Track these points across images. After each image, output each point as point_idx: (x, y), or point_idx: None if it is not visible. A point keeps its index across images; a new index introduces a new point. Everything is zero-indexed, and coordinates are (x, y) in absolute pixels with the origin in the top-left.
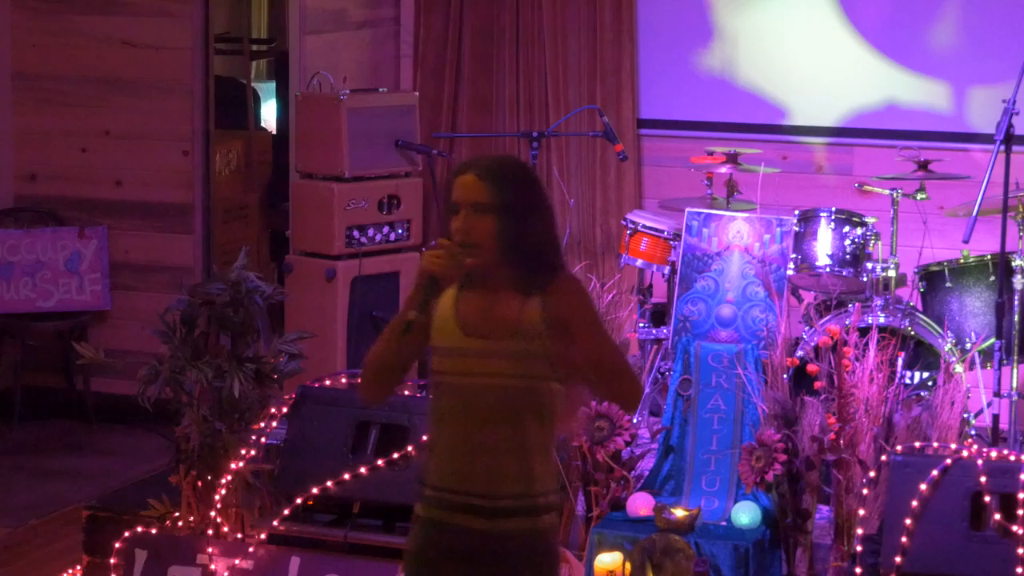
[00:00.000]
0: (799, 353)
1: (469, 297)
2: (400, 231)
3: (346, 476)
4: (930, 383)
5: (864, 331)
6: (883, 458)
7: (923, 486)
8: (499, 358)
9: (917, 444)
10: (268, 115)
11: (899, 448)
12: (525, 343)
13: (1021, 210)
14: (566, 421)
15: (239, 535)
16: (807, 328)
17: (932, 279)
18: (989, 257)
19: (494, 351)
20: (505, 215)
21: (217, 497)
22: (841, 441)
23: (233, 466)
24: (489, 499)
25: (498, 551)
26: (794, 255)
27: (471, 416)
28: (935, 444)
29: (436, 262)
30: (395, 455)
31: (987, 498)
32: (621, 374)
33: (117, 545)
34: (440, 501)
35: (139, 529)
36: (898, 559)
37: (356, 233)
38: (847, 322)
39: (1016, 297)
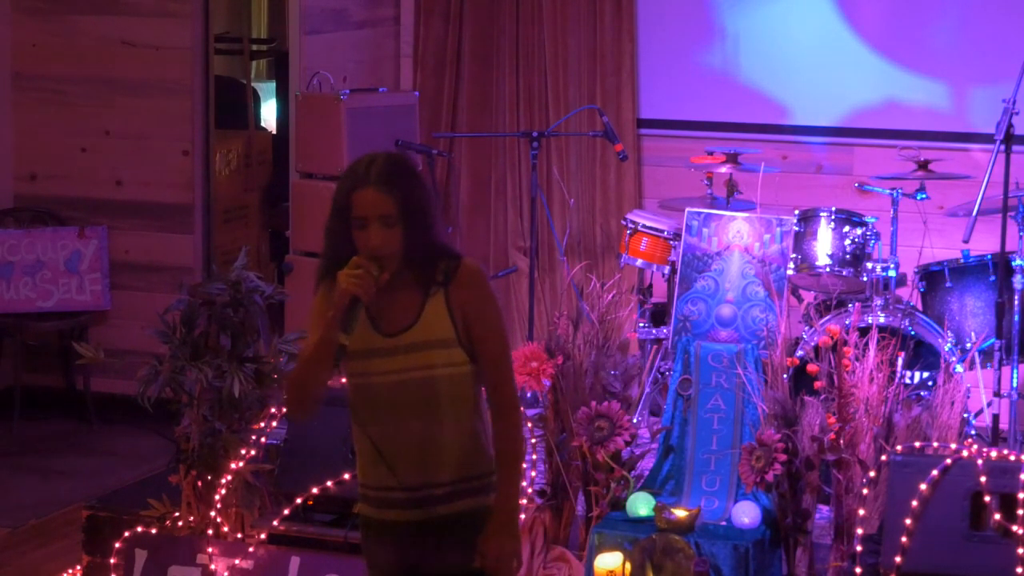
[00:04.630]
0: (799, 353)
1: (377, 298)
2: None
3: (346, 476)
4: (930, 383)
5: (864, 331)
6: (883, 458)
7: (923, 486)
8: (410, 352)
9: (917, 444)
10: (268, 115)
11: (899, 448)
12: (434, 333)
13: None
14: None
15: (239, 535)
16: (807, 328)
17: (932, 279)
18: (989, 257)
19: (405, 346)
20: (411, 221)
21: (217, 497)
22: (841, 441)
23: (233, 466)
24: (421, 490)
25: (440, 535)
26: (794, 255)
27: (392, 413)
28: (935, 444)
29: (356, 283)
30: None
31: (987, 498)
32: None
33: (117, 545)
34: (373, 499)
35: (139, 529)
36: (898, 559)
37: None
38: (847, 322)
39: (1016, 297)
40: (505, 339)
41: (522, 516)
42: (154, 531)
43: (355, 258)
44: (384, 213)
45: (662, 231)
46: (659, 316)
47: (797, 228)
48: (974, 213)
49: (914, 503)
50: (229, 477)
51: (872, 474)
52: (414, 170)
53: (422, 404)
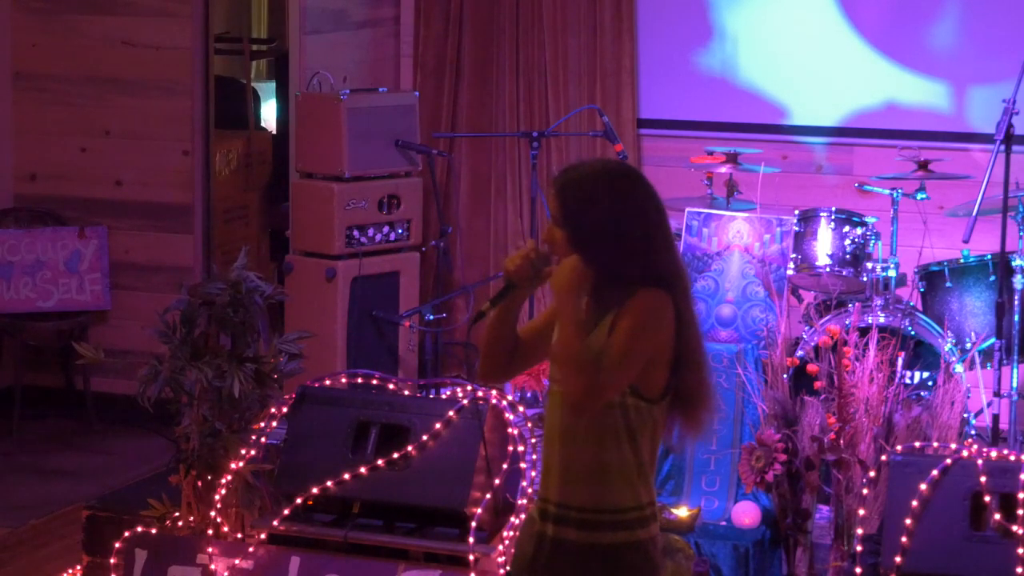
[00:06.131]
0: (799, 353)
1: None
2: (400, 231)
3: (346, 476)
4: (930, 383)
5: (864, 331)
6: (883, 458)
7: (923, 486)
8: None
9: (917, 444)
10: (268, 115)
11: (899, 448)
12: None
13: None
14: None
15: (239, 535)
16: (807, 328)
17: (932, 279)
18: (989, 257)
19: None
20: (573, 228)
21: (217, 497)
22: (841, 441)
23: (233, 466)
24: (560, 507)
25: (556, 559)
26: (794, 255)
27: (550, 424)
28: (935, 444)
29: (512, 264)
30: (395, 455)
31: (987, 498)
32: (574, 366)
33: (117, 545)
34: (536, 507)
35: (139, 529)
36: (898, 559)
37: (356, 233)
38: (847, 322)
39: (1016, 297)
40: (621, 355)
41: (522, 516)
42: (154, 531)
43: (531, 240)
44: (553, 212)
45: None
46: None
47: (797, 228)
48: (974, 213)
49: (914, 503)
50: (229, 477)
51: (872, 474)
52: (606, 185)
53: (569, 422)
